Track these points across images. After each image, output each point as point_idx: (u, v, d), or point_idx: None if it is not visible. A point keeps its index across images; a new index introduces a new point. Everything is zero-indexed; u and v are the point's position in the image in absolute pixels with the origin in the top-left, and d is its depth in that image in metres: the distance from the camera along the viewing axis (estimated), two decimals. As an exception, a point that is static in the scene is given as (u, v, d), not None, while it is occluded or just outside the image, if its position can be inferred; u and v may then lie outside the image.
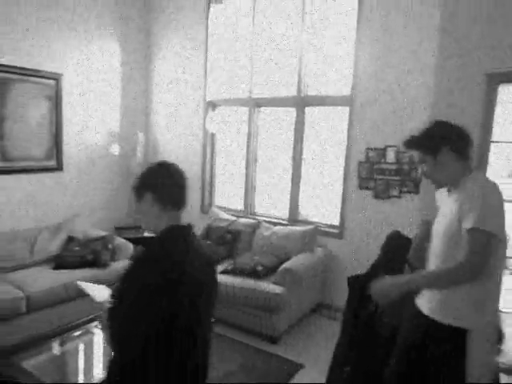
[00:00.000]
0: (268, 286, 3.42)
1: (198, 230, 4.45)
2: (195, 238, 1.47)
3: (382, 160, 3.66)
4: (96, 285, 2.58)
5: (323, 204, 4.22)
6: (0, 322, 2.97)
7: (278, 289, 3.36)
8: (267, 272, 3.61)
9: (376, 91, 3.65)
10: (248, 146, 4.56)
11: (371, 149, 3.71)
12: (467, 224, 1.55)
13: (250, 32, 4.40)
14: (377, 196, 3.72)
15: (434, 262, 1.75)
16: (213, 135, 4.87)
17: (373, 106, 3.68)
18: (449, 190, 1.75)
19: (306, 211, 4.34)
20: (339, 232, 3.97)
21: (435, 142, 1.68)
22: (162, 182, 1.41)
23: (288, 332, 3.55)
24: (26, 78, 3.91)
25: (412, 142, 1.77)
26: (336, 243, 3.99)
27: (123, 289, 1.27)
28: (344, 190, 3.92)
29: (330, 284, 4.05)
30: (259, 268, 3.62)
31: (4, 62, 3.73)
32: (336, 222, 4.05)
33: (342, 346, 2.39)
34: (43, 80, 4.06)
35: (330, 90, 4.04)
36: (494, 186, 1.61)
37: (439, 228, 1.74)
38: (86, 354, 2.64)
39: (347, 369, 2.34)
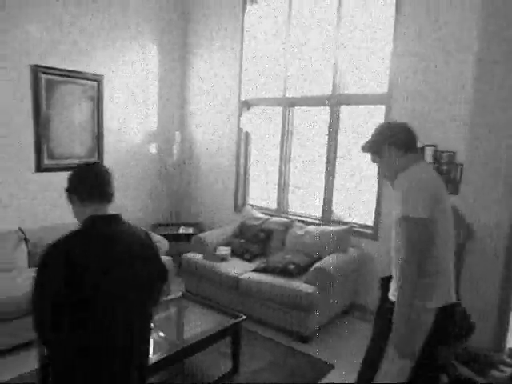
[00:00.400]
0: (300, 285, 3.42)
1: (232, 227, 4.52)
2: (122, 226, 1.59)
3: (420, 160, 3.57)
4: None
5: (357, 204, 4.16)
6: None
7: (309, 288, 3.36)
8: (299, 271, 3.61)
9: (413, 89, 3.56)
10: (282, 145, 4.57)
11: (408, 148, 3.62)
12: (398, 215, 1.71)
13: (284, 31, 4.41)
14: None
15: (393, 256, 1.86)
16: (247, 134, 4.91)
17: (410, 104, 3.59)
18: (392, 186, 1.86)
19: (340, 211, 4.29)
20: (373, 233, 3.91)
21: (377, 142, 1.84)
22: (76, 183, 1.59)
23: (319, 332, 3.53)
24: (70, 79, 4.10)
25: (363, 147, 1.94)
26: (370, 244, 3.93)
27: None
28: (379, 189, 3.85)
29: (363, 285, 3.99)
30: (291, 267, 3.62)
31: (51, 64, 3.93)
32: (370, 222, 3.98)
33: (372, 349, 2.36)
34: (86, 82, 4.24)
35: (365, 89, 3.98)
36: (420, 176, 1.73)
37: (392, 223, 1.85)
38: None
39: (379, 371, 2.31)
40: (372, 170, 3.95)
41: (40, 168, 3.99)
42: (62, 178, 4.33)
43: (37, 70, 3.83)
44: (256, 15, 4.67)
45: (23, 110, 3.82)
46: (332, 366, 3.06)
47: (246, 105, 4.85)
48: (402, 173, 1.78)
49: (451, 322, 1.82)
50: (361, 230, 4.03)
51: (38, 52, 3.84)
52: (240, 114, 4.84)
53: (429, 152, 3.51)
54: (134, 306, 1.55)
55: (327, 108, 4.18)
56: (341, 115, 4.14)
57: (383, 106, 3.77)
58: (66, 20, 4.01)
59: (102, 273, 1.44)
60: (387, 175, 1.88)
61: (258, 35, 4.70)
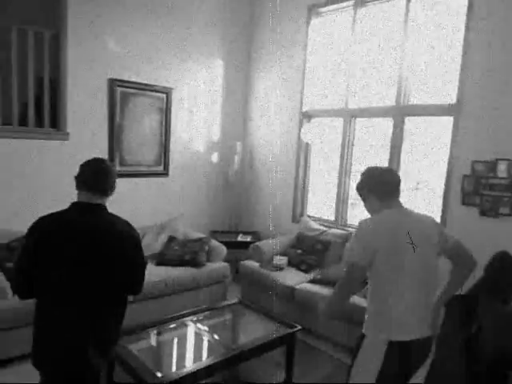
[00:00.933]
0: (359, 300, 3.33)
1: (289, 237, 4.53)
2: (96, 215, 1.86)
3: (491, 174, 3.36)
4: None
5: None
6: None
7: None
8: (362, 285, 3.52)
9: (486, 99, 3.37)
10: (342, 157, 4.52)
11: (479, 161, 3.43)
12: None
13: (348, 42, 4.39)
14: (483, 213, 3.41)
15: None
16: (307, 145, 4.92)
17: (482, 115, 3.40)
18: None
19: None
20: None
21: (360, 187, 2.03)
22: (78, 173, 1.89)
23: (377, 350, 3.41)
24: (142, 92, 4.39)
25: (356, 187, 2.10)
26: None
27: None
28: (444, 205, 3.67)
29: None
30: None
31: (125, 78, 4.24)
32: (434, 238, 3.80)
33: (436, 369, 2.25)
34: (156, 94, 4.52)
35: (430, 99, 3.84)
36: (373, 224, 1.87)
37: None
38: (179, 344, 2.85)
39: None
40: (437, 185, 3.79)
41: (112, 174, 4.28)
42: (132, 184, 4.64)
43: (113, 83, 4.15)
44: (320, 27, 4.70)
45: (100, 120, 4.15)
46: None
47: (307, 116, 4.87)
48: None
49: (405, 360, 1.80)
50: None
51: (115, 66, 4.17)
52: (301, 125, 4.87)
53: (502, 166, 3.30)
54: (70, 279, 1.73)
55: (390, 119, 4.08)
56: (405, 127, 4.02)
57: (451, 118, 3.61)
58: (139, 37, 4.32)
59: (45, 244, 1.74)
60: (370, 214, 2.00)
61: (321, 47, 4.72)
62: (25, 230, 3.43)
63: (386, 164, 4.13)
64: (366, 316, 1.91)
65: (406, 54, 3.91)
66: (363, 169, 2.11)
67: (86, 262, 1.73)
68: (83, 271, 1.73)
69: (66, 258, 1.72)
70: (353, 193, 4.54)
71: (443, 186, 3.68)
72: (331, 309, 1.96)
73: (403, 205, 1.97)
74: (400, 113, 4.00)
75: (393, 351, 1.75)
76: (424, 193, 3.96)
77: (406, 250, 1.78)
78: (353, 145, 4.50)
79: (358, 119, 4.44)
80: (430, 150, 3.91)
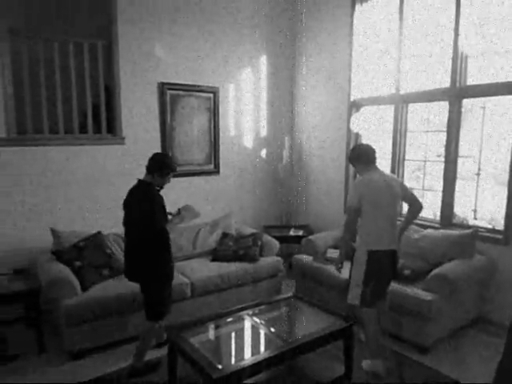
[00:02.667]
0: (417, 292, 3.22)
1: (341, 230, 4.44)
2: (141, 185, 2.90)
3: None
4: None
5: (483, 206, 3.77)
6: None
7: (428, 295, 3.14)
8: (415, 277, 3.40)
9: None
10: (394, 145, 4.37)
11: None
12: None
13: (396, 25, 4.21)
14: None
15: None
16: (357, 135, 4.80)
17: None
18: None
19: (463, 213, 3.94)
20: (504, 237, 3.49)
21: (352, 158, 3.05)
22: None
23: (439, 343, 3.28)
24: (190, 93, 4.51)
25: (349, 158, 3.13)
26: (500, 250, 3.52)
27: None
28: (509, 190, 3.43)
29: (492, 296, 3.60)
30: (407, 272, 3.44)
31: (174, 81, 4.37)
32: (499, 225, 3.58)
33: (505, 368, 2.11)
34: (203, 94, 4.61)
35: (491, 78, 3.59)
36: (361, 181, 2.93)
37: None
38: (237, 338, 2.91)
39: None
40: (500, 169, 3.56)
41: (166, 174, 4.44)
42: (185, 183, 4.78)
43: (163, 87, 4.29)
44: (365, 14, 4.55)
45: (152, 123, 4.31)
46: (456, 382, 2.81)
47: (356, 105, 4.74)
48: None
49: (380, 263, 2.85)
50: (488, 234, 3.63)
51: (163, 70, 4.31)
52: (350, 115, 4.76)
53: None
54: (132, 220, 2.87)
55: (446, 103, 3.88)
56: (463, 109, 3.80)
57: (514, 96, 3.37)
58: (184, 41, 4.43)
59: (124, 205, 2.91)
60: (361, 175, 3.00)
61: (368, 33, 4.57)
62: (90, 231, 3.66)
63: (442, 149, 3.93)
64: (358, 238, 2.96)
65: (460, 32, 3.69)
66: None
67: (130, 215, 2.87)
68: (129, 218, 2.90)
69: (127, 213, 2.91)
70: (408, 182, 4.37)
71: (508, 171, 3.45)
72: (345, 239, 3.05)
73: (379, 168, 2.98)
74: (457, 94, 3.78)
75: (373, 256, 2.83)
76: (486, 178, 3.72)
77: (382, 196, 2.83)
78: (406, 131, 4.33)
79: (410, 105, 4.27)
80: (491, 134, 3.66)
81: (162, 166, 2.85)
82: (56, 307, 3.10)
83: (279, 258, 4.26)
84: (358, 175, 3.11)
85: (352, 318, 2.86)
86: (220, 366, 2.31)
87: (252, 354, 2.61)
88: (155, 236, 2.76)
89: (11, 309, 3.26)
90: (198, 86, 4.56)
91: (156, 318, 2.87)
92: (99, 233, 3.73)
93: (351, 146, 4.79)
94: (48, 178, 3.76)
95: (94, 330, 3.14)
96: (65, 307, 3.02)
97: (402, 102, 4.27)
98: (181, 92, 4.45)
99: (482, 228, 3.71)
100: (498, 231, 3.59)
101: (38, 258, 3.55)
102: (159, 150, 4.37)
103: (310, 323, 3.03)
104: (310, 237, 4.37)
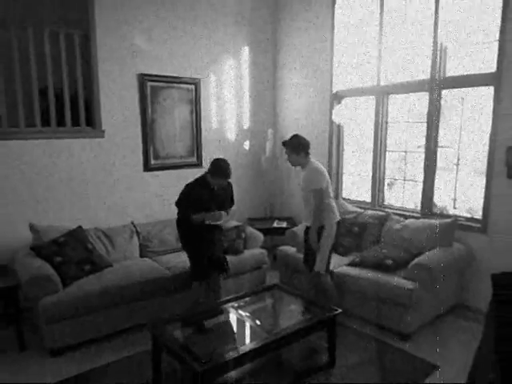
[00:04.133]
0: (399, 281, 3.28)
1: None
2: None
3: (538, 144, 3.17)
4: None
5: (462, 196, 3.85)
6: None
7: (410, 284, 3.20)
8: (397, 266, 3.46)
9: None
10: (376, 136, 4.40)
11: (523, 132, 3.24)
12: (310, 188, 3.32)
13: (377, 16, 4.23)
14: (530, 186, 3.25)
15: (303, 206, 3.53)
16: (339, 127, 4.83)
17: (525, 82, 3.21)
18: (302, 167, 3.43)
19: (442, 203, 4.01)
20: (482, 226, 3.58)
21: (294, 146, 3.37)
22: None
23: (420, 331, 3.35)
24: (170, 85, 4.43)
25: (284, 143, 3.45)
26: (478, 239, 3.61)
27: None
28: (488, 179, 3.51)
29: (470, 284, 3.69)
30: (388, 262, 3.49)
31: (154, 72, 4.29)
32: (478, 215, 3.66)
33: (484, 350, 2.17)
34: (184, 85, 4.55)
35: (468, 70, 3.65)
36: (318, 166, 3.38)
37: (302, 186, 3.45)
38: (222, 330, 2.91)
39: (492, 376, 2.12)
40: (478, 159, 3.63)
41: (147, 167, 4.39)
42: (165, 176, 4.74)
43: (143, 78, 4.21)
44: (347, 5, 4.55)
45: (132, 116, 4.23)
46: (436, 367, 2.88)
47: (338, 97, 4.76)
48: (306, 165, 3.38)
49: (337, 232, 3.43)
50: (467, 223, 3.71)
51: (143, 61, 4.23)
52: (332, 107, 4.77)
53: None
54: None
55: (426, 94, 3.92)
56: (442, 100, 3.85)
57: (492, 88, 3.43)
58: (164, 31, 4.35)
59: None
60: (295, 164, 3.45)
61: (350, 25, 4.57)
62: (70, 226, 3.59)
63: (423, 140, 3.99)
64: (324, 217, 3.32)
65: (440, 24, 3.73)
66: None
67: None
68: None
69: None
70: (389, 172, 4.43)
71: (486, 161, 3.52)
72: (317, 218, 3.30)
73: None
74: (436, 85, 3.83)
75: (338, 227, 3.40)
76: (465, 169, 3.79)
77: (328, 178, 3.42)
78: (386, 123, 4.37)
79: (390, 96, 4.30)
80: (470, 124, 3.73)
81: (214, 170, 3.27)
82: (36, 305, 3.04)
83: (263, 250, 4.27)
84: (295, 162, 3.41)
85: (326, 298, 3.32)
86: (204, 360, 2.31)
87: (236, 347, 2.62)
88: (180, 219, 3.33)
89: (-11, 307, 3.20)
90: (179, 78, 4.50)
91: (193, 278, 3.34)
92: (79, 228, 3.66)
93: (334, 138, 4.83)
94: (25, 172, 3.66)
95: (75, 327, 3.10)
96: (45, 305, 2.97)
97: (383, 94, 4.31)
98: (161, 84, 4.37)
99: (461, 217, 3.78)
100: (477, 220, 3.67)
101: (16, 254, 3.46)
102: (140, 144, 4.31)
103: (295, 314, 3.05)
104: (294, 228, 4.39)
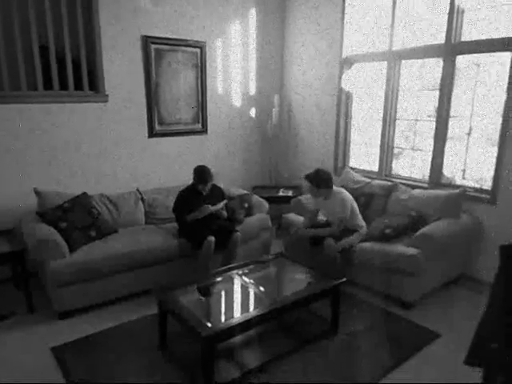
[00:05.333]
0: (401, 248, 3.28)
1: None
2: None
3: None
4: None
5: (472, 166, 3.78)
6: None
7: (412, 250, 3.19)
8: (397, 234, 3.46)
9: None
10: (386, 103, 4.28)
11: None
12: (340, 216, 3.47)
13: (391, -24, 4.02)
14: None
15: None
16: (348, 93, 4.70)
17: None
18: (325, 198, 3.56)
19: (451, 173, 3.95)
20: (491, 197, 3.52)
21: (319, 181, 3.46)
22: None
23: (423, 299, 3.37)
24: (175, 47, 4.30)
25: (308, 178, 3.51)
26: (486, 210, 3.57)
27: None
28: (500, 150, 3.42)
29: (476, 254, 3.68)
30: (387, 231, 3.47)
31: (158, 34, 4.15)
32: (487, 185, 3.60)
33: (488, 320, 2.17)
34: (189, 49, 4.41)
35: (486, 34, 3.49)
36: (345, 197, 3.52)
37: (327, 213, 3.70)
38: (227, 297, 2.94)
39: (494, 345, 2.13)
40: (491, 129, 3.53)
41: (152, 133, 4.33)
42: (170, 143, 4.70)
43: (147, 40, 4.08)
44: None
45: (136, 80, 4.13)
46: (437, 335, 2.92)
47: (348, 62, 4.60)
48: (330, 195, 3.52)
49: None
50: (475, 194, 3.66)
51: (147, 23, 4.08)
52: (341, 73, 4.63)
53: None
54: None
55: (439, 60, 3.77)
56: (456, 67, 3.71)
57: (509, 53, 3.28)
58: (170, -11, 4.17)
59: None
60: (316, 196, 3.59)
61: (361, -16, 4.35)
62: (75, 192, 3.59)
63: (432, 109, 3.87)
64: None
65: (457, -15, 3.54)
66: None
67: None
68: None
69: None
70: (398, 141, 4.34)
71: (499, 131, 3.42)
72: (333, 232, 3.47)
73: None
74: (451, 50, 3.68)
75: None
76: (476, 138, 3.69)
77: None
78: (398, 90, 4.24)
79: (403, 61, 4.15)
80: (484, 92, 3.60)
81: (195, 177, 3.66)
82: (43, 269, 3.08)
83: (265, 215, 4.24)
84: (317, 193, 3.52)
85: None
86: (209, 324, 2.34)
87: (241, 313, 2.65)
88: (178, 220, 3.70)
89: (-2, 270, 3.26)
90: (184, 41, 4.35)
91: (196, 248, 3.48)
92: (84, 194, 3.65)
93: (342, 106, 4.71)
94: (28, 137, 3.62)
95: (82, 291, 3.14)
96: (52, 269, 3.00)
97: (394, 59, 4.15)
98: (166, 46, 4.24)
99: (469, 188, 3.73)
100: (486, 191, 3.61)
101: (22, 219, 3.48)
102: (144, 109, 4.23)
103: (299, 282, 3.07)
104: (300, 197, 4.35)
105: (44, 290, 3.31)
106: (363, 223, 3.62)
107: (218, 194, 3.82)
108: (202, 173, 3.63)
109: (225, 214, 3.74)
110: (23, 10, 3.42)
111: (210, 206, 3.57)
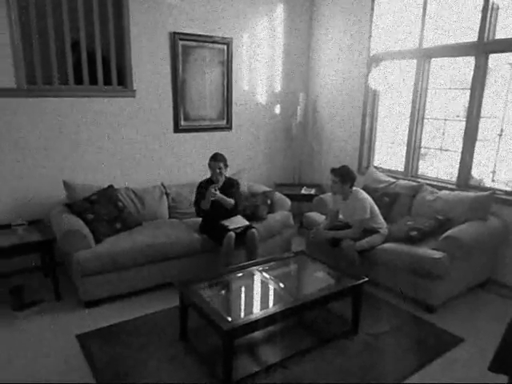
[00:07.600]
0: (426, 251, 3.21)
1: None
2: None
3: None
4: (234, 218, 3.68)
5: (500, 168, 3.66)
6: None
7: (437, 254, 3.13)
8: (422, 237, 3.39)
9: None
10: (414, 102, 4.20)
11: None
12: (360, 218, 3.44)
13: (423, -28, 3.93)
14: None
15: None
16: (375, 92, 4.63)
17: None
18: (344, 198, 3.56)
19: (480, 175, 3.84)
20: (521, 201, 3.41)
21: (345, 178, 3.44)
22: None
23: (448, 303, 3.31)
24: (202, 44, 4.33)
25: (335, 172, 3.48)
26: (516, 214, 3.46)
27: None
28: (533, 152, 3.31)
29: (505, 259, 3.57)
30: (413, 233, 3.41)
31: (186, 31, 4.19)
32: (518, 189, 3.49)
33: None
34: (216, 45, 4.43)
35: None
36: (365, 197, 3.51)
37: (346, 214, 3.66)
38: (247, 292, 2.96)
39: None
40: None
41: (178, 129, 4.38)
42: (195, 139, 4.74)
43: (174, 37, 4.13)
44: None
45: (163, 76, 4.19)
46: (461, 340, 2.85)
47: (376, 60, 4.53)
48: (350, 195, 3.50)
49: None
50: (505, 197, 3.55)
51: (175, 19, 4.12)
52: (368, 71, 4.56)
53: None
54: None
55: (471, 59, 3.67)
56: (489, 65, 3.60)
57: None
58: (198, -14, 4.20)
59: None
60: (338, 192, 3.56)
61: (392, -19, 4.27)
62: (102, 184, 3.69)
63: (462, 109, 3.77)
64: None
65: (492, -20, 3.42)
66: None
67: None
68: None
69: None
70: (425, 141, 4.25)
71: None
72: (355, 234, 3.44)
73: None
74: (484, 49, 3.57)
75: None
76: (508, 140, 3.58)
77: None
78: (426, 89, 4.15)
79: (433, 60, 4.06)
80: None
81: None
82: (70, 258, 3.17)
83: (288, 213, 4.24)
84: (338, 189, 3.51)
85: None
86: (230, 319, 2.36)
87: (261, 309, 2.66)
88: (196, 211, 3.77)
89: (28, 258, 3.37)
90: (211, 37, 4.38)
91: (218, 243, 3.50)
92: (111, 186, 3.74)
93: (368, 104, 4.65)
94: (59, 130, 3.73)
95: (107, 281, 3.22)
96: (79, 259, 3.08)
97: (424, 57, 4.06)
98: (193, 43, 4.28)
99: (499, 190, 3.62)
100: (516, 194, 3.50)
101: (51, 210, 3.60)
102: (171, 104, 4.29)
103: (320, 280, 3.06)
104: (322, 195, 4.33)
105: (70, 279, 3.42)
106: (384, 224, 3.57)
107: (231, 185, 3.79)
108: (214, 154, 3.71)
109: (231, 201, 3.66)
110: (56, 8, 3.52)
111: (217, 190, 3.56)
